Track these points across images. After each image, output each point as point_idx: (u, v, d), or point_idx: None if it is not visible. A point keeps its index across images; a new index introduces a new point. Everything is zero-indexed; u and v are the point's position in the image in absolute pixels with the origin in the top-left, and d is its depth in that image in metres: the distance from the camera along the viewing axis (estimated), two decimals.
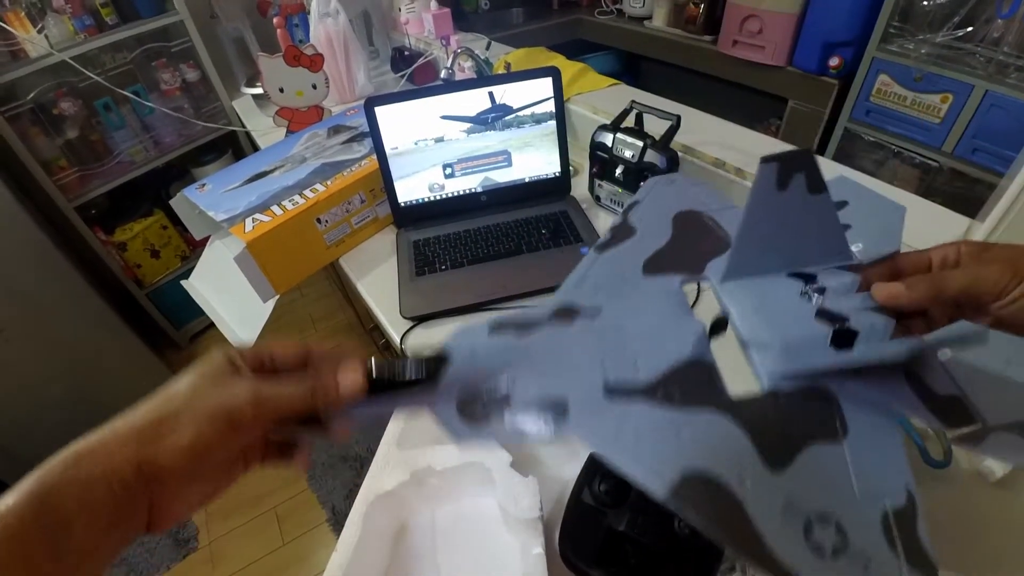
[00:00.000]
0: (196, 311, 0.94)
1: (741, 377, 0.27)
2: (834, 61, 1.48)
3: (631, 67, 2.29)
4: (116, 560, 0.26)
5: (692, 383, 0.27)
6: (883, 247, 0.30)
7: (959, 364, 0.25)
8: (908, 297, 0.27)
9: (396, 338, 0.75)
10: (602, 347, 0.28)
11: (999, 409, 0.24)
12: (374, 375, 0.27)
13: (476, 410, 0.27)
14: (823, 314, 0.27)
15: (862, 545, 0.21)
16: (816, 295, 0.28)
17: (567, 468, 0.57)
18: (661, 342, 0.29)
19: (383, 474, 0.49)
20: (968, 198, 1.35)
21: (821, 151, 1.61)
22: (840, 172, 0.35)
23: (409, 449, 0.50)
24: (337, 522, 1.40)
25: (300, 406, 0.26)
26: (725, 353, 0.29)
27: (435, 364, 0.28)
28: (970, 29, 1.25)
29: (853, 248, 0.30)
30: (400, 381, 0.27)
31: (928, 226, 0.68)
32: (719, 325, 0.31)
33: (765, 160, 0.27)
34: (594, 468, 0.50)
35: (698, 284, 0.32)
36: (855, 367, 0.25)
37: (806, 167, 0.27)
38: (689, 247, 0.33)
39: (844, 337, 0.26)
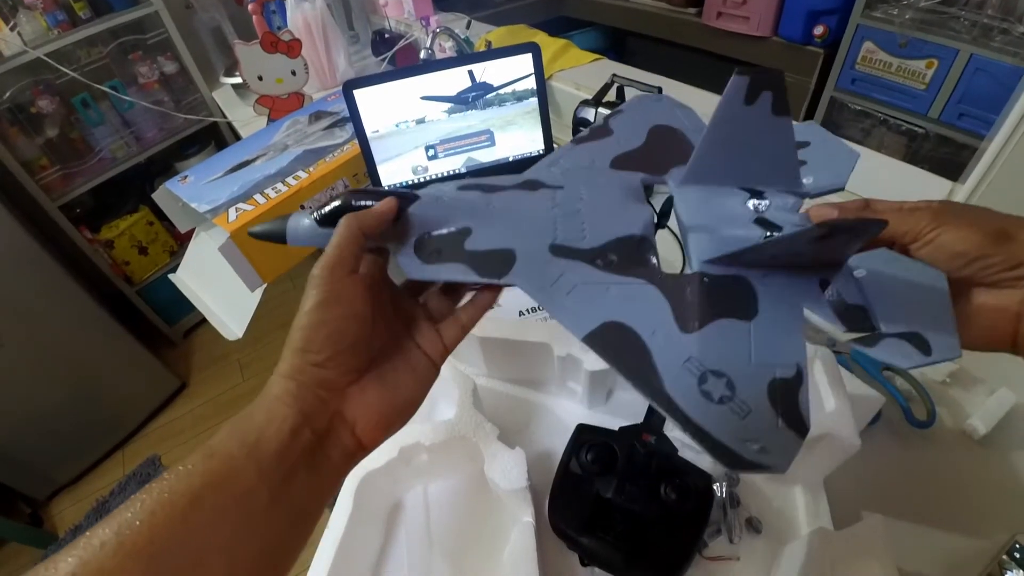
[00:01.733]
0: (188, 306, 0.94)
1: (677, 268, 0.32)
2: (819, 30, 1.47)
3: (616, 43, 2.26)
4: (337, 486, 0.29)
5: (630, 255, 0.30)
6: (830, 182, 0.32)
7: (872, 280, 0.28)
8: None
9: None
10: (557, 213, 0.31)
11: (896, 319, 0.27)
12: (352, 203, 0.30)
13: (431, 249, 0.30)
14: (761, 222, 0.30)
15: (747, 399, 0.25)
16: (760, 203, 0.31)
17: (555, 440, 0.58)
18: (611, 218, 0.31)
19: (372, 452, 0.49)
20: (955, 163, 1.35)
21: None
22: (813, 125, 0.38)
23: None
24: (335, 502, 1.41)
25: (349, 236, 0.28)
26: (667, 247, 0.31)
27: (404, 200, 0.31)
28: None
29: (804, 180, 0.32)
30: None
31: (912, 191, 0.69)
32: (664, 215, 0.34)
33: (739, 72, 0.28)
34: (581, 438, 0.51)
35: (652, 186, 0.35)
36: (776, 249, 0.27)
37: (774, 87, 0.29)
38: (658, 155, 0.35)
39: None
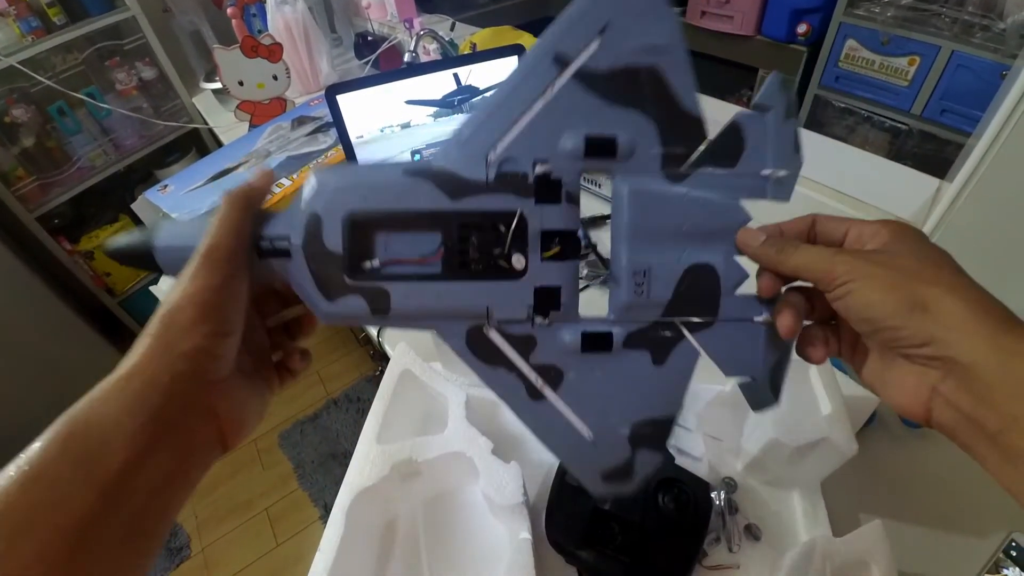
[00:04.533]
0: None
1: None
2: (802, 28, 1.48)
3: None
4: (193, 491, 0.26)
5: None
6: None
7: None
8: (754, 252, 0.26)
9: (374, 331, 0.75)
10: None
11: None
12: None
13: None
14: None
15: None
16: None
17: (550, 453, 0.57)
18: None
19: (364, 470, 0.48)
20: (938, 159, 1.36)
21: None
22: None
23: (389, 443, 0.49)
24: (328, 519, 1.39)
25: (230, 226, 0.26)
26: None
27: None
28: None
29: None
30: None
31: (899, 189, 0.69)
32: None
33: None
34: None
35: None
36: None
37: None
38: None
39: None
